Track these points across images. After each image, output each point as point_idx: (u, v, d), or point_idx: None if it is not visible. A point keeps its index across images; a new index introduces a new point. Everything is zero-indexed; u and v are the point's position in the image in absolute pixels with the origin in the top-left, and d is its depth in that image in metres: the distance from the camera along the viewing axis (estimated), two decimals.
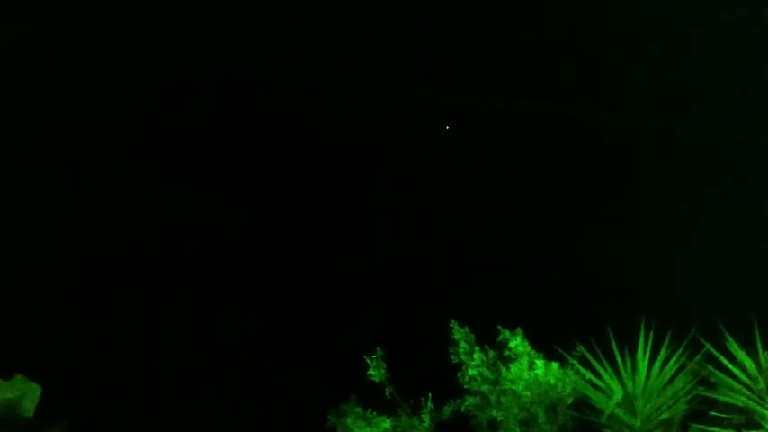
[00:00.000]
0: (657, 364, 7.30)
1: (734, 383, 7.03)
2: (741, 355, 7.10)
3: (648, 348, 7.33)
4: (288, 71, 13.31)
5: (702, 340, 7.14)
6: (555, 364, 8.14)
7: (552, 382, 8.02)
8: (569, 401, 7.99)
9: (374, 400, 8.64)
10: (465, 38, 13.87)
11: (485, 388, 8.22)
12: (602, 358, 7.42)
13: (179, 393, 12.13)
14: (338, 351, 11.49)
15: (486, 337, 8.58)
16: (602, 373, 7.40)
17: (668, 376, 7.29)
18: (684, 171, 13.35)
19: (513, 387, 8.03)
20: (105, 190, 13.69)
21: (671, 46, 13.40)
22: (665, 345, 7.31)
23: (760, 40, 12.48)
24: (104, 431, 10.42)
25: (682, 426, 7.26)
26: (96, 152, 13.93)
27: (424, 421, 8.47)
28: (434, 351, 9.04)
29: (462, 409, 8.35)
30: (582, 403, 7.67)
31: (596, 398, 7.42)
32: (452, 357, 8.44)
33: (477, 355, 8.33)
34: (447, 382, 8.58)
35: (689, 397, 7.24)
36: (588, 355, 7.50)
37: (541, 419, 7.93)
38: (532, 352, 8.27)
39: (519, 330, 8.41)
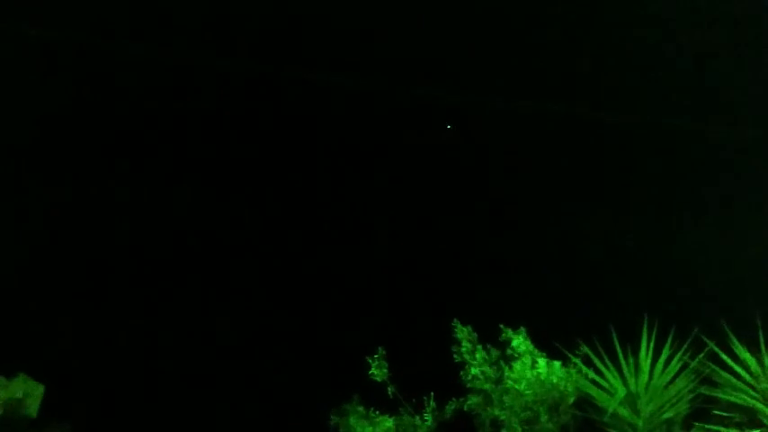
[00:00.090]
0: (660, 364, 7.29)
1: (736, 382, 7.03)
2: (744, 354, 7.10)
3: (651, 347, 7.33)
4: (288, 71, 13.30)
5: (705, 339, 7.14)
6: (557, 363, 8.14)
7: (554, 381, 8.02)
8: (571, 400, 7.99)
9: (376, 400, 8.64)
10: (465, 38, 13.88)
11: (487, 387, 8.22)
12: (605, 357, 7.42)
13: (179, 393, 12.12)
14: (340, 351, 11.49)
15: (489, 337, 8.58)
16: (605, 372, 7.40)
17: (671, 375, 7.28)
18: (685, 171, 13.37)
19: (516, 386, 8.03)
20: (105, 190, 13.67)
21: (671, 46, 13.41)
22: (668, 344, 7.31)
23: (760, 40, 12.51)
24: (106, 430, 10.40)
25: (684, 424, 7.26)
26: (96, 152, 13.93)
27: (426, 420, 8.47)
28: (436, 350, 9.04)
29: (465, 407, 8.34)
30: (584, 402, 7.67)
31: (599, 397, 7.42)
32: (455, 356, 8.44)
33: (480, 354, 8.34)
34: (449, 381, 8.58)
35: (691, 396, 7.24)
36: (591, 355, 7.50)
37: (544, 418, 7.93)
38: (535, 351, 8.27)
39: (521, 329, 8.42)
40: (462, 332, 8.52)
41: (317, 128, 14.67)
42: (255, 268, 13.92)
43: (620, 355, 7.37)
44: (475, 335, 8.54)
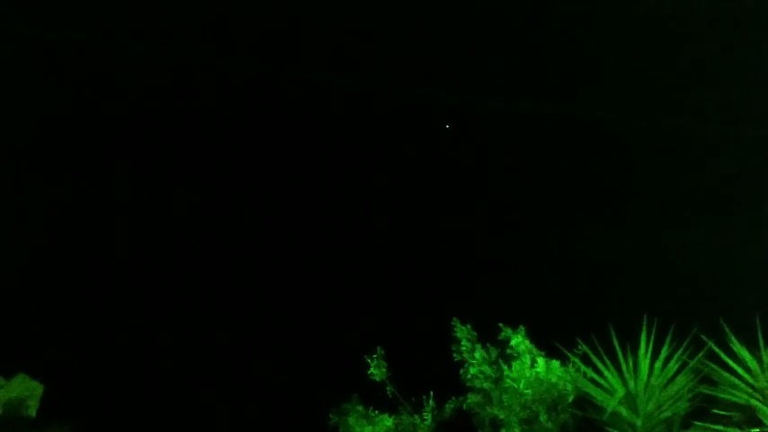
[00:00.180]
0: (659, 363, 7.27)
1: (736, 381, 7.01)
2: (743, 352, 7.08)
3: (650, 346, 7.31)
4: (288, 71, 13.31)
5: (704, 338, 7.13)
6: (556, 362, 8.11)
7: (554, 380, 8.00)
8: (570, 399, 7.98)
9: (376, 399, 8.63)
10: (465, 38, 13.89)
11: (486, 386, 8.21)
12: (604, 356, 7.41)
13: (179, 393, 12.12)
14: (339, 350, 11.49)
15: (488, 336, 8.57)
16: (605, 371, 7.38)
17: (670, 374, 7.26)
18: (685, 171, 13.38)
19: (515, 385, 8.01)
20: (105, 190, 13.69)
21: (670, 46, 13.42)
22: (667, 343, 7.29)
23: (760, 40, 12.51)
24: (107, 430, 10.40)
25: (683, 423, 7.24)
26: (96, 152, 13.94)
27: (425, 419, 8.46)
28: (435, 350, 9.04)
29: (464, 406, 8.32)
30: (584, 401, 7.66)
31: (598, 396, 7.40)
32: (454, 355, 8.43)
33: (479, 353, 8.32)
34: (448, 380, 8.57)
35: (691, 395, 7.21)
36: (590, 354, 7.48)
37: (543, 417, 7.92)
38: (534, 350, 8.25)
39: (521, 329, 8.40)
40: (462, 331, 8.50)
41: (316, 128, 14.68)
42: (255, 268, 13.93)
43: (620, 354, 7.35)
44: (474, 334, 8.53)
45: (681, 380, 7.24)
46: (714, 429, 6.99)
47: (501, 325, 8.43)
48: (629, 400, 7.29)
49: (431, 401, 8.57)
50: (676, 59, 13.35)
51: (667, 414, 7.23)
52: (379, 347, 8.80)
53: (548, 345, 8.32)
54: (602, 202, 13.48)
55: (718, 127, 12.54)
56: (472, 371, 8.27)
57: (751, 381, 7.02)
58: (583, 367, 7.71)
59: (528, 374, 8.05)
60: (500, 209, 14.03)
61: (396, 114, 14.31)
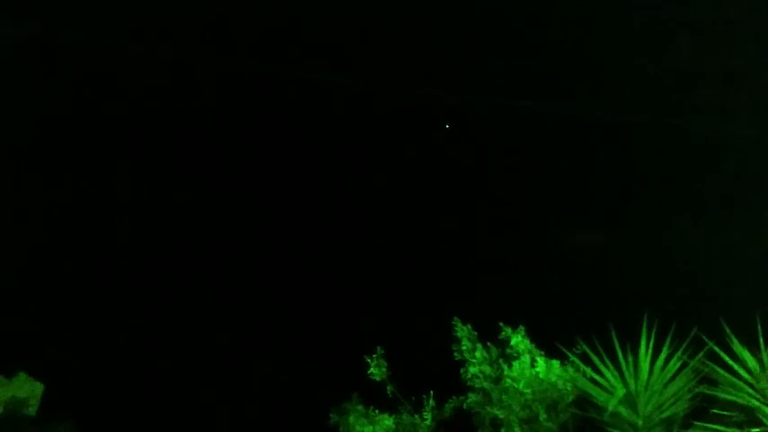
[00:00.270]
0: (659, 362, 7.27)
1: (736, 381, 7.00)
2: (743, 352, 7.08)
3: (650, 346, 7.30)
4: (288, 71, 13.31)
5: (704, 338, 7.12)
6: (556, 362, 8.12)
7: (553, 379, 8.01)
8: (570, 399, 7.98)
9: (376, 399, 8.64)
10: (465, 38, 13.89)
11: (486, 385, 8.21)
12: (605, 356, 7.41)
13: (179, 393, 12.12)
14: (339, 350, 11.49)
15: (488, 336, 8.58)
16: (605, 370, 7.38)
17: (670, 374, 7.25)
18: (685, 171, 13.37)
19: (515, 385, 8.02)
20: (105, 190, 13.68)
21: (670, 46, 13.41)
22: (667, 343, 7.29)
23: (760, 41, 12.50)
24: (106, 430, 10.40)
25: (684, 423, 7.23)
26: (96, 152, 13.94)
27: (425, 419, 8.47)
28: (435, 349, 9.05)
29: (464, 406, 8.34)
30: (584, 401, 7.65)
31: (598, 396, 7.39)
32: (455, 355, 8.44)
33: (480, 353, 8.34)
34: (448, 380, 8.58)
35: (691, 395, 7.20)
36: (590, 353, 7.48)
37: (543, 417, 7.92)
38: (534, 350, 8.26)
39: (521, 328, 8.41)
40: (462, 331, 8.52)
41: (316, 128, 14.67)
42: (255, 268, 13.92)
43: (620, 354, 7.35)
44: (475, 333, 8.54)
45: (681, 380, 7.23)
46: (714, 429, 6.99)
47: (501, 324, 8.44)
48: (630, 399, 7.28)
49: (431, 401, 8.58)
50: (676, 59, 13.35)
51: (667, 414, 7.22)
52: (379, 347, 8.82)
53: (548, 344, 8.33)
54: (602, 202, 13.47)
55: (718, 127, 12.54)
56: (472, 370, 8.29)
57: (751, 381, 7.02)
58: (582, 366, 7.71)
59: (528, 374, 8.06)
60: (500, 209, 14.02)
61: (396, 114, 14.31)
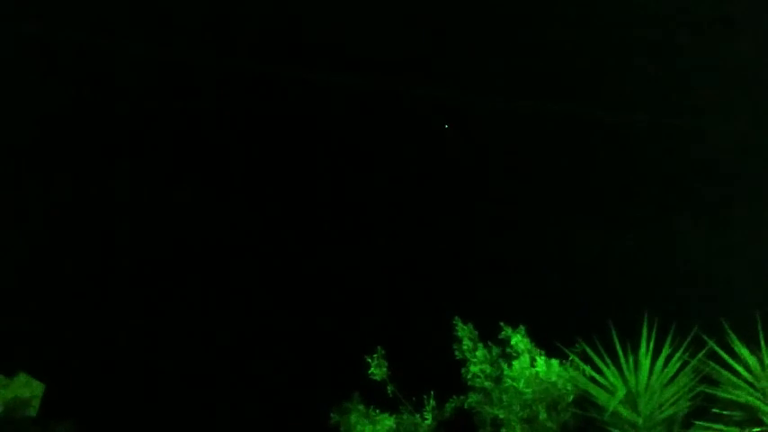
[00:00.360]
0: (660, 362, 7.27)
1: (736, 380, 7.01)
2: (744, 352, 7.08)
3: (651, 346, 7.31)
4: (288, 71, 13.31)
5: (705, 337, 7.12)
6: (555, 362, 8.13)
7: (553, 379, 8.01)
8: (570, 399, 7.98)
9: (377, 398, 8.65)
10: (465, 38, 13.90)
11: (487, 385, 8.22)
12: (605, 355, 7.41)
13: (179, 393, 12.12)
14: (340, 350, 11.49)
15: (488, 336, 8.58)
16: (605, 370, 7.38)
17: (671, 374, 7.26)
18: (685, 171, 13.38)
19: (515, 384, 8.02)
20: (105, 190, 13.68)
21: (670, 46, 13.42)
22: (668, 342, 7.29)
23: (760, 41, 12.51)
24: (106, 430, 10.40)
25: (684, 423, 7.23)
26: (96, 152, 13.94)
27: (426, 419, 8.48)
28: (435, 349, 9.06)
29: (465, 405, 8.34)
30: (584, 400, 7.66)
31: (599, 395, 7.40)
32: (456, 354, 8.45)
33: (480, 352, 8.34)
34: (448, 379, 8.59)
35: (691, 394, 7.21)
36: (591, 353, 7.48)
37: (543, 416, 7.92)
38: (533, 349, 8.27)
39: (521, 328, 8.42)
40: (463, 330, 8.53)
41: (316, 128, 14.67)
42: (255, 268, 13.92)
43: (620, 354, 7.35)
44: (476, 333, 8.55)
45: (682, 379, 7.23)
46: (715, 428, 6.99)
47: (502, 324, 8.45)
48: (630, 399, 7.28)
49: (431, 401, 8.59)
50: (676, 59, 13.35)
51: (668, 413, 7.23)
52: (379, 347, 8.82)
53: (548, 344, 8.33)
54: (602, 202, 13.47)
55: (718, 127, 12.54)
56: (473, 369, 8.29)
57: (751, 380, 7.02)
58: (582, 365, 7.71)
59: (527, 373, 8.06)
60: (500, 209, 14.01)
61: (396, 114, 14.31)
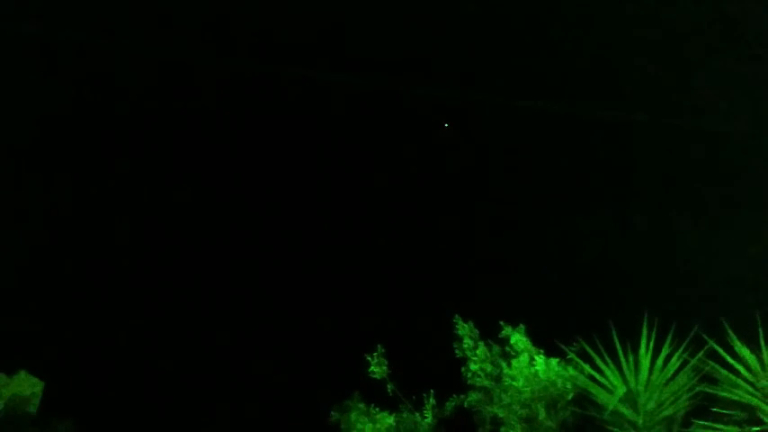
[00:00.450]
0: (660, 361, 7.28)
1: (736, 380, 7.02)
2: (743, 351, 7.09)
3: (651, 345, 7.32)
4: (288, 71, 13.31)
5: (705, 337, 7.13)
6: (554, 361, 8.13)
7: (552, 378, 8.02)
8: (570, 397, 7.98)
9: (377, 397, 8.66)
10: (466, 37, 13.90)
11: (487, 384, 8.22)
12: (605, 355, 7.41)
13: (179, 393, 12.12)
14: (340, 349, 11.49)
15: (488, 336, 8.60)
16: (605, 369, 7.40)
17: (671, 373, 7.27)
18: (685, 171, 13.38)
19: (514, 383, 8.03)
20: (105, 190, 13.68)
21: (670, 46, 13.42)
22: (668, 341, 7.30)
23: (760, 41, 12.51)
24: (107, 428, 10.40)
25: (684, 422, 7.24)
26: (96, 152, 13.94)
27: (426, 417, 8.49)
28: (435, 348, 9.07)
29: (465, 404, 8.35)
30: (584, 399, 7.66)
31: (599, 394, 7.41)
32: (456, 352, 8.46)
33: (481, 350, 8.35)
34: (448, 378, 8.59)
35: (691, 393, 7.22)
36: (591, 352, 7.49)
37: (542, 416, 7.93)
38: (531, 348, 8.27)
39: (521, 327, 8.43)
40: (464, 329, 8.54)
41: (316, 128, 14.68)
42: (255, 268, 13.92)
43: (620, 353, 7.36)
44: (476, 331, 8.56)
45: (681, 378, 7.24)
46: (715, 428, 6.99)
47: (502, 323, 8.46)
48: (630, 398, 7.30)
49: (431, 399, 8.59)
50: (676, 59, 13.35)
51: (668, 412, 7.24)
52: (379, 346, 8.83)
53: (549, 344, 8.34)
54: (601, 202, 13.47)
55: (717, 127, 12.54)
56: (473, 367, 8.29)
57: (751, 379, 7.03)
58: (582, 364, 7.72)
59: (526, 372, 8.06)
60: (500, 209, 14.01)
61: (396, 114, 14.32)
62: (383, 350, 8.81)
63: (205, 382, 12.22)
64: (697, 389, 7.21)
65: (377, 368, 8.67)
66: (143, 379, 12.30)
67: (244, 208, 14.28)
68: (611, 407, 7.21)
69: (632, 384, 7.28)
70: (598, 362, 7.44)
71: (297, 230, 14.29)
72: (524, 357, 8.20)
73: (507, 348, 8.34)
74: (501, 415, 8.03)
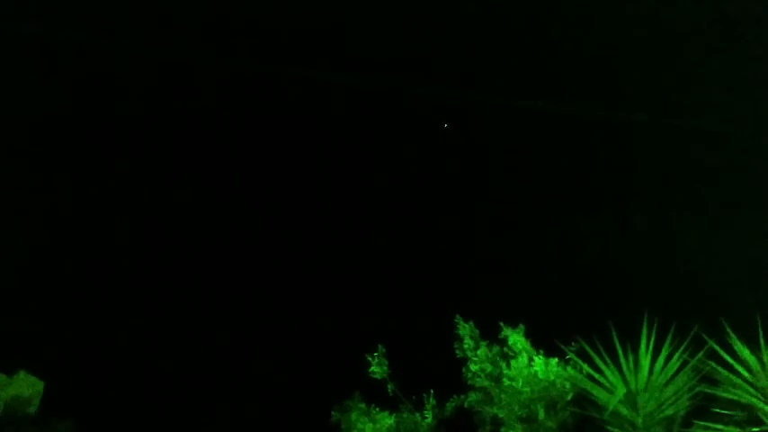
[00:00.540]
0: (660, 361, 7.26)
1: (736, 380, 7.00)
2: (744, 351, 7.08)
3: (651, 345, 7.30)
4: (288, 71, 13.31)
5: (705, 337, 7.12)
6: (554, 361, 8.13)
7: (552, 378, 8.02)
8: (569, 398, 7.98)
9: (377, 397, 8.66)
10: (466, 37, 13.90)
11: (487, 384, 8.23)
12: (605, 355, 7.41)
13: (179, 393, 12.12)
14: (341, 349, 11.49)
15: (488, 336, 8.60)
16: (605, 369, 7.38)
17: (670, 373, 7.25)
18: (685, 171, 13.38)
19: (513, 384, 8.03)
20: (105, 190, 13.68)
21: (670, 46, 13.42)
22: (668, 341, 7.29)
23: (760, 40, 12.51)
24: (107, 428, 10.40)
25: (684, 422, 7.23)
26: (96, 152, 13.94)
27: (426, 417, 8.49)
28: (436, 348, 9.07)
29: (465, 404, 8.35)
30: (584, 400, 7.66)
31: (599, 394, 7.39)
32: (457, 353, 8.46)
33: (482, 351, 8.35)
34: (449, 378, 8.60)
35: (691, 394, 7.21)
36: (591, 352, 7.48)
37: (542, 416, 7.93)
38: (530, 348, 8.28)
39: (520, 327, 8.43)
40: (464, 329, 8.54)
41: (316, 128, 14.68)
42: (255, 268, 13.92)
43: (620, 353, 7.35)
44: (477, 331, 8.56)
45: (681, 378, 7.22)
46: (715, 428, 6.98)
47: (501, 324, 8.46)
48: (630, 398, 7.28)
49: (431, 399, 8.59)
50: (676, 59, 13.36)
51: (668, 413, 7.22)
52: (380, 346, 8.83)
53: (548, 344, 8.33)
54: (601, 202, 13.47)
55: (717, 127, 12.54)
56: (473, 368, 8.29)
57: (751, 379, 7.01)
58: (581, 364, 7.71)
59: (525, 373, 8.06)
60: (500, 209, 14.01)
61: (396, 114, 14.32)
62: (384, 350, 8.81)
63: (205, 382, 12.22)
64: (697, 389, 7.20)
65: (377, 368, 8.67)
66: (143, 379, 12.30)
67: (244, 208, 14.29)
68: (610, 407, 7.20)
69: (632, 385, 7.26)
70: (598, 362, 7.43)
71: (297, 230, 14.29)
72: (523, 358, 8.20)
73: (506, 349, 8.34)
74: (501, 415, 8.03)
